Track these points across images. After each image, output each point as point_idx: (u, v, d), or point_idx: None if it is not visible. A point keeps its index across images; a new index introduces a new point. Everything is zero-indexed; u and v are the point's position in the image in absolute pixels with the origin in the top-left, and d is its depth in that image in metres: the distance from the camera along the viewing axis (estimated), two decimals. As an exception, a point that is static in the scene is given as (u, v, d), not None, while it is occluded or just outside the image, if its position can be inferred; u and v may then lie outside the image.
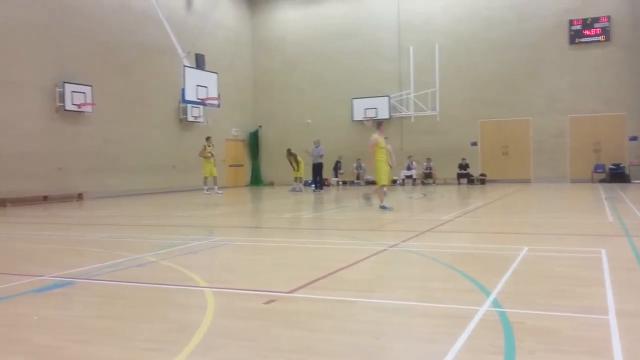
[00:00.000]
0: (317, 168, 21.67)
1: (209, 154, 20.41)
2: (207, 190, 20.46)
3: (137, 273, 5.85)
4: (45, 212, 15.04)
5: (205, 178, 20.61)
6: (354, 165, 26.70)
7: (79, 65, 19.79)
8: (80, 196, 19.44)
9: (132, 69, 22.07)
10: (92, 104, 19.83)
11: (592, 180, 23.40)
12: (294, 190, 21.83)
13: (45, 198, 18.28)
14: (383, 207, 12.30)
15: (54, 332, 3.79)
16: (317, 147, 21.58)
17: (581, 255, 6.40)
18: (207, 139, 20.80)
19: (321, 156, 21.66)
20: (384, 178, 12.53)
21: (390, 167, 13.59)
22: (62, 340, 3.59)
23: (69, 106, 19.09)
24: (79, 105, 19.41)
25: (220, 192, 20.55)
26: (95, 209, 15.67)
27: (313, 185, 22.12)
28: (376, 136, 12.54)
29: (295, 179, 22.75)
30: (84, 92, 19.59)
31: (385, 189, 12.91)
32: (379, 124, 13.21)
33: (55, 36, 19.01)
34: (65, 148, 19.22)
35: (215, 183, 20.55)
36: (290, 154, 22.73)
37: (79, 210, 15.42)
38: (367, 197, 13.62)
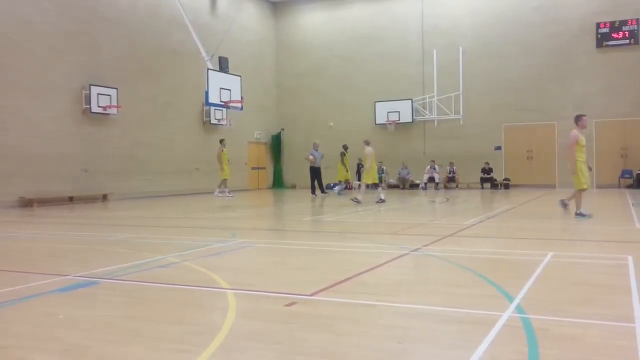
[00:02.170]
0: (314, 172, 20.82)
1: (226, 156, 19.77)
2: (219, 192, 19.85)
3: (160, 274, 5.91)
4: (71, 212, 15.28)
5: (223, 180, 19.86)
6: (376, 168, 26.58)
7: (105, 68, 20.11)
8: (105, 197, 19.71)
9: (157, 72, 22.34)
10: (118, 107, 20.11)
11: (619, 186, 23.00)
12: (339, 193, 21.61)
13: (71, 199, 18.57)
14: (580, 215, 11.00)
15: (80, 330, 3.85)
16: (316, 150, 20.94)
17: (607, 262, 6.31)
18: (221, 141, 20.18)
19: (320, 159, 20.92)
20: (584, 182, 11.04)
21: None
22: (89, 339, 3.65)
23: (95, 108, 19.39)
24: (104, 108, 19.70)
25: (230, 195, 19.89)
26: (120, 210, 15.88)
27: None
28: (576, 132, 11.02)
29: (340, 181, 22.48)
30: (109, 95, 19.88)
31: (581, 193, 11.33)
32: (578, 117, 11.26)
33: (82, 40, 19.35)
34: (91, 150, 19.52)
35: (225, 186, 19.99)
36: (345, 152, 21.77)
37: (104, 211, 15.64)
38: (564, 204, 11.84)
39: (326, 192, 21.28)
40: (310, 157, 20.93)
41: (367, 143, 16.83)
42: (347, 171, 22.09)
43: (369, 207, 15.82)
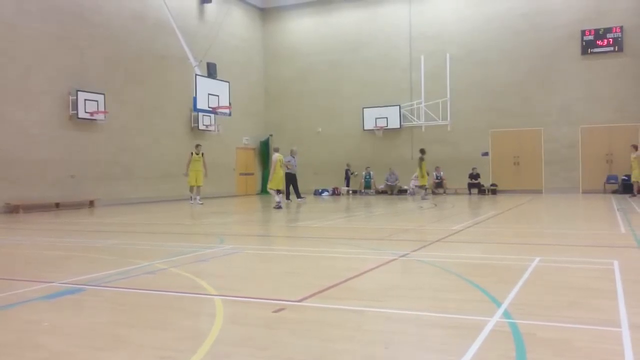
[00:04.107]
0: (289, 178, 20.77)
1: (198, 162, 19.56)
2: (199, 200, 19.67)
3: (147, 280, 5.87)
4: (57, 218, 15.14)
5: (191, 187, 19.74)
6: (363, 173, 26.65)
7: (92, 73, 19.98)
8: (91, 203, 19.56)
9: (145, 77, 22.24)
10: (105, 112, 19.98)
11: (604, 191, 23.21)
12: (423, 198, 21.36)
13: (57, 205, 18.40)
14: None
15: (66, 338, 3.81)
16: (293, 157, 21.06)
17: (593, 267, 6.34)
18: (197, 146, 20.08)
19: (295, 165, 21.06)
20: None
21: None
22: (74, 346, 3.61)
23: (82, 114, 19.25)
24: (91, 113, 19.57)
25: (200, 202, 19.56)
26: (107, 216, 15.75)
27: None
28: None
29: (422, 186, 22.18)
30: (96, 101, 19.75)
31: None
32: None
33: (69, 45, 19.23)
34: (77, 155, 19.37)
35: (198, 193, 19.78)
36: (423, 157, 21.19)
37: (90, 217, 15.51)
38: None
39: (303, 197, 21.29)
40: (289, 163, 21.06)
41: (276, 150, 17.45)
42: (424, 176, 21.50)
43: (356, 213, 15.84)
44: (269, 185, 17.23)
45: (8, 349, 3.58)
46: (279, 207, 16.62)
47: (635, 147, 21.04)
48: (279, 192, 17.19)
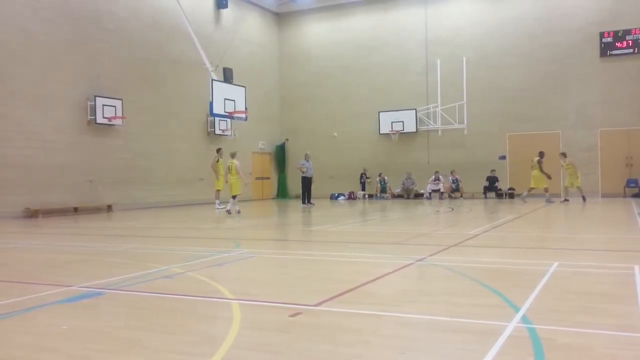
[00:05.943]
0: (305, 182, 21.13)
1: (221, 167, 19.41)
2: (219, 205, 19.39)
3: (164, 284, 5.90)
4: (76, 223, 15.30)
5: (218, 192, 19.63)
6: (377, 178, 26.55)
7: (110, 79, 20.20)
8: (109, 208, 19.74)
9: (162, 82, 22.43)
10: (123, 117, 20.18)
11: (624, 195, 22.89)
12: (549, 201, 20.78)
13: (75, 209, 18.60)
14: None
15: (83, 342, 3.84)
16: (307, 161, 21.23)
17: (613, 272, 6.26)
18: (218, 150, 19.94)
19: (311, 169, 21.35)
20: None
21: None
22: (91, 350, 3.63)
23: (100, 119, 19.47)
24: (109, 119, 19.78)
25: (221, 207, 19.10)
26: (124, 220, 15.88)
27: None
28: None
29: (546, 189, 21.30)
30: (114, 106, 19.96)
31: None
32: None
33: (87, 51, 19.47)
34: (96, 160, 19.58)
35: (217, 197, 19.70)
36: (541, 159, 20.72)
37: (108, 222, 15.65)
38: None
39: (312, 203, 21.23)
40: (302, 167, 21.15)
41: (232, 155, 17.60)
42: (542, 179, 20.70)
43: (372, 218, 15.79)
44: (231, 192, 17.36)
45: (25, 352, 3.61)
46: (228, 212, 16.96)
47: (565, 155, 20.90)
48: (233, 197, 17.27)
